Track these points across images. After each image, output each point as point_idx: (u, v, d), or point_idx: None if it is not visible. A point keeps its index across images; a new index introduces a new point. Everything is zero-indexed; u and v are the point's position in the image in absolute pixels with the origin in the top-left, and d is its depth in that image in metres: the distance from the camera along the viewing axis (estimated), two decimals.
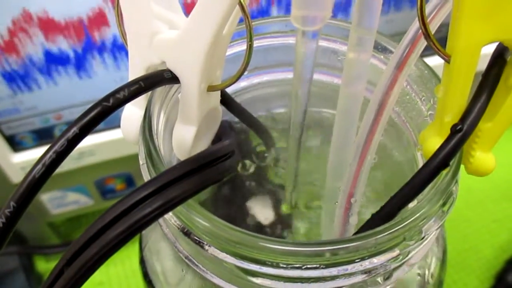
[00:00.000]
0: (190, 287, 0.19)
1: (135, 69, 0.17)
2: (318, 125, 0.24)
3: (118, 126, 0.36)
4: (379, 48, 0.20)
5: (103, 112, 0.14)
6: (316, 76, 0.22)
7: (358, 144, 0.18)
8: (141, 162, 0.16)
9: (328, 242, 0.13)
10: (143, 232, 0.22)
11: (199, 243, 0.15)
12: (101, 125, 0.35)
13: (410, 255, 0.14)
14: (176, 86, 0.19)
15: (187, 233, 0.15)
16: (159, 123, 0.18)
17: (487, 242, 0.42)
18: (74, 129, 0.14)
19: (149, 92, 0.18)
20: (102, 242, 0.13)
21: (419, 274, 0.20)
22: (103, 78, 0.32)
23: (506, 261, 0.40)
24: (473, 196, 0.45)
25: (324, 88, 0.22)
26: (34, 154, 0.34)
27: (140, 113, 0.18)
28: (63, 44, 0.30)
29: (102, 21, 0.30)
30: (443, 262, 0.23)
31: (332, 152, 0.21)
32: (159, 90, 0.18)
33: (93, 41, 0.30)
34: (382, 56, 0.20)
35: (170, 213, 0.15)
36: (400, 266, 0.16)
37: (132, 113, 0.18)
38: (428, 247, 0.16)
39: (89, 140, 0.34)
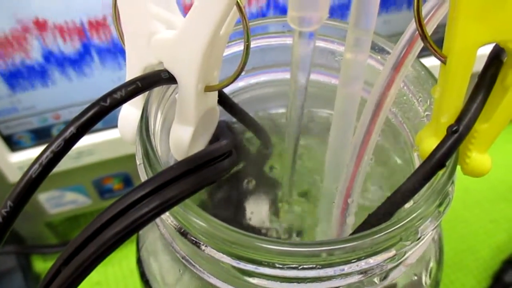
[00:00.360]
0: (187, 287, 0.19)
1: (133, 69, 0.17)
2: (316, 126, 0.24)
3: (116, 126, 0.36)
4: (376, 49, 0.20)
5: (101, 112, 0.14)
6: (313, 77, 0.22)
7: (355, 144, 0.18)
8: (138, 162, 0.16)
9: (325, 242, 0.13)
10: (140, 232, 0.22)
11: (196, 243, 0.15)
12: (99, 125, 0.35)
13: (406, 255, 0.14)
14: (173, 86, 0.19)
15: (183, 233, 0.15)
16: (156, 123, 0.18)
17: (484, 242, 0.42)
18: (71, 129, 0.14)
19: (147, 92, 0.18)
20: (99, 242, 0.13)
21: (415, 275, 0.21)
22: (101, 78, 0.32)
23: (503, 261, 0.40)
24: (470, 197, 0.45)
25: (322, 89, 0.22)
26: (32, 153, 0.34)
27: (138, 113, 0.18)
28: (61, 44, 0.30)
29: (101, 21, 0.30)
30: (440, 262, 0.23)
31: (329, 152, 0.21)
32: (156, 91, 0.18)
33: (91, 41, 0.30)
34: (379, 57, 0.20)
35: (167, 213, 0.15)
36: (396, 266, 0.16)
37: (129, 113, 0.18)
38: (424, 248, 0.16)
39: (87, 140, 0.34)
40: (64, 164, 0.35)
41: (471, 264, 0.41)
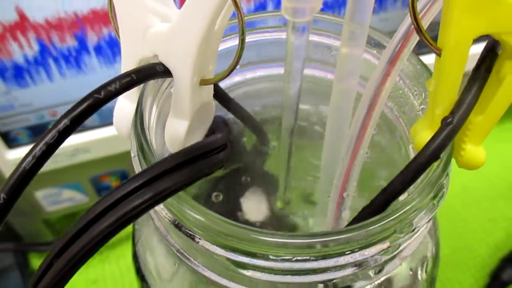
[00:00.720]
0: (182, 281, 0.19)
1: (128, 62, 0.17)
2: (312, 121, 0.24)
3: (110, 123, 0.36)
4: (372, 43, 0.20)
5: (95, 105, 0.14)
6: (309, 72, 0.22)
7: (350, 138, 0.18)
8: (132, 155, 0.16)
9: (319, 234, 0.13)
10: (136, 226, 0.22)
11: (191, 236, 0.15)
12: (96, 122, 0.35)
13: (401, 248, 0.14)
14: (168, 80, 0.19)
15: (178, 226, 0.15)
16: (151, 117, 0.18)
17: (482, 240, 0.42)
18: (65, 121, 0.14)
19: (142, 86, 0.18)
20: (91, 233, 0.13)
21: (411, 270, 0.20)
22: (98, 75, 0.32)
23: (501, 260, 0.40)
24: (469, 195, 0.45)
25: (318, 84, 0.22)
26: None
27: (133, 107, 0.18)
28: (58, 40, 0.30)
29: (98, 17, 0.30)
30: (436, 258, 0.23)
31: (325, 147, 0.21)
32: (151, 84, 0.18)
33: (88, 37, 0.30)
34: (375, 51, 0.20)
35: (162, 206, 0.15)
36: (391, 259, 0.16)
37: (124, 106, 0.18)
38: (419, 241, 0.16)
39: (84, 137, 0.34)
40: (61, 161, 0.35)
41: (469, 262, 0.41)
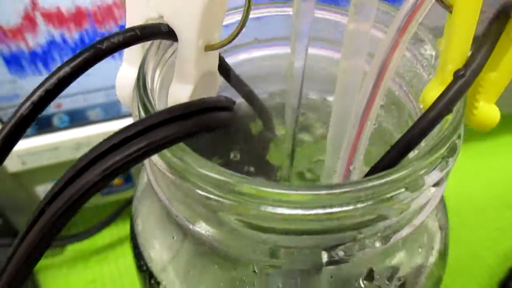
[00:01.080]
0: (182, 255, 0.18)
1: (132, 24, 0.17)
2: (318, 102, 0.23)
3: (115, 117, 0.35)
4: (383, 19, 0.19)
5: (97, 55, 0.14)
6: (317, 51, 0.22)
7: (357, 110, 0.17)
8: (134, 116, 0.16)
9: (325, 185, 0.13)
10: (134, 206, 0.21)
11: (194, 190, 0.14)
12: (98, 117, 0.35)
13: (410, 209, 0.14)
14: (172, 49, 0.18)
15: (182, 177, 0.14)
16: (154, 84, 0.17)
17: (489, 249, 0.41)
18: (66, 69, 0.14)
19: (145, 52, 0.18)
20: (85, 179, 0.12)
21: (418, 262, 0.20)
22: (105, 67, 0.32)
23: (509, 269, 0.39)
24: (476, 204, 0.44)
25: (323, 63, 0.22)
26: (32, 142, 0.34)
27: (136, 73, 0.18)
28: (66, 32, 0.30)
29: (107, 9, 0.30)
30: (443, 255, 0.22)
31: (331, 127, 0.20)
32: (154, 49, 0.17)
33: (97, 29, 0.30)
34: (383, 26, 0.19)
35: (163, 163, 0.14)
36: (399, 228, 0.15)
37: (128, 73, 0.18)
38: (429, 211, 0.15)
39: (86, 131, 0.34)
40: (63, 155, 0.35)
41: (476, 271, 0.40)
